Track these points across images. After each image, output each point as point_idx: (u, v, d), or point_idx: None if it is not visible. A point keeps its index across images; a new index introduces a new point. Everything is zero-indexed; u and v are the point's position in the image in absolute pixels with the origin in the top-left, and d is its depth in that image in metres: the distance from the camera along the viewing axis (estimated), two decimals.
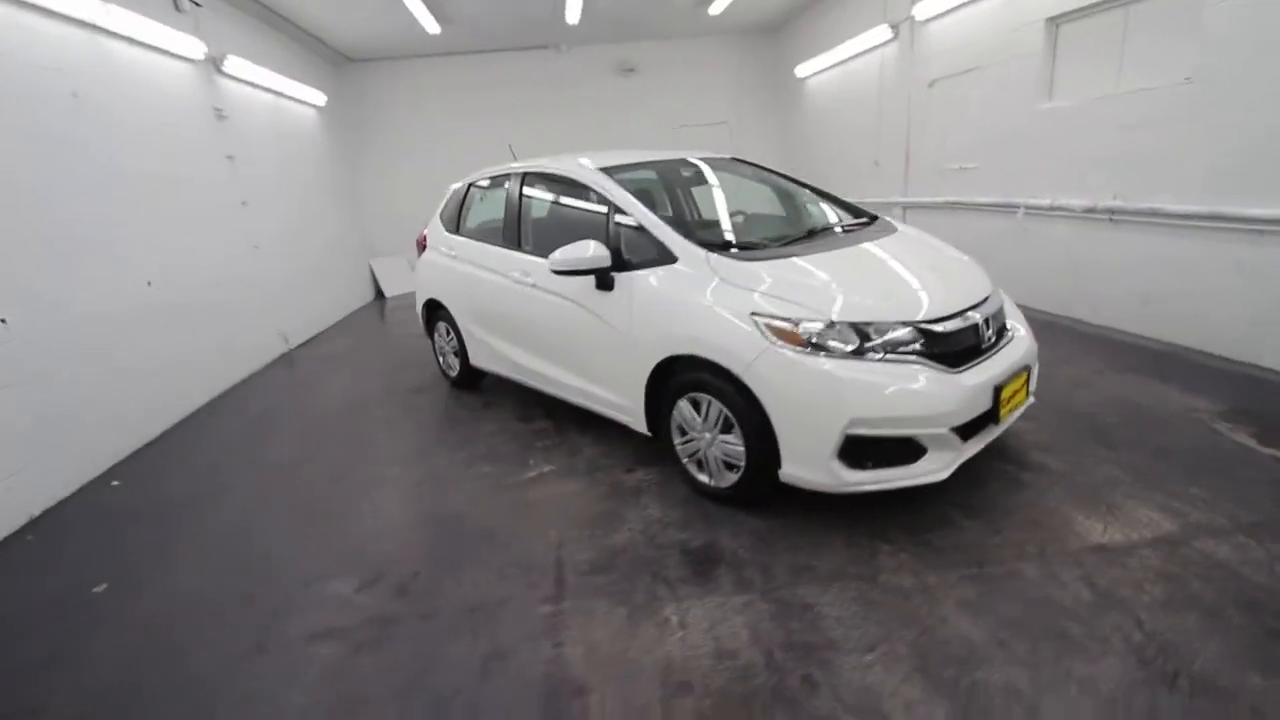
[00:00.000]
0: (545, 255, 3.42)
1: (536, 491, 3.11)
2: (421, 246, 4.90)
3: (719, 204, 3.64)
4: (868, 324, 2.35)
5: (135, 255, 4.37)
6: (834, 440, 2.29)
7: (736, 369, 2.46)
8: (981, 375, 2.42)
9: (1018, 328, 2.83)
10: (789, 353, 2.34)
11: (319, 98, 8.16)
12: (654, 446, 3.34)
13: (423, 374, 5.31)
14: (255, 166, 6.34)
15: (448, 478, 3.36)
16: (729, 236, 3.14)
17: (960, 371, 2.39)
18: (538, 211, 3.83)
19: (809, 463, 2.38)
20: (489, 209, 4.30)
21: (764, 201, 3.76)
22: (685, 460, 2.89)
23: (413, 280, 5.18)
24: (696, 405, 2.72)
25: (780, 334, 2.37)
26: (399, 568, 2.57)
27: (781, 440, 2.41)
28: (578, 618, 2.18)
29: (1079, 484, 2.69)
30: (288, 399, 5.13)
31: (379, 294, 9.78)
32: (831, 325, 2.34)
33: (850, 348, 2.32)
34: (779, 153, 10.14)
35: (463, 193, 4.50)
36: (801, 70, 9.22)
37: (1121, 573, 2.13)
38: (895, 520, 2.52)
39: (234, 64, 5.86)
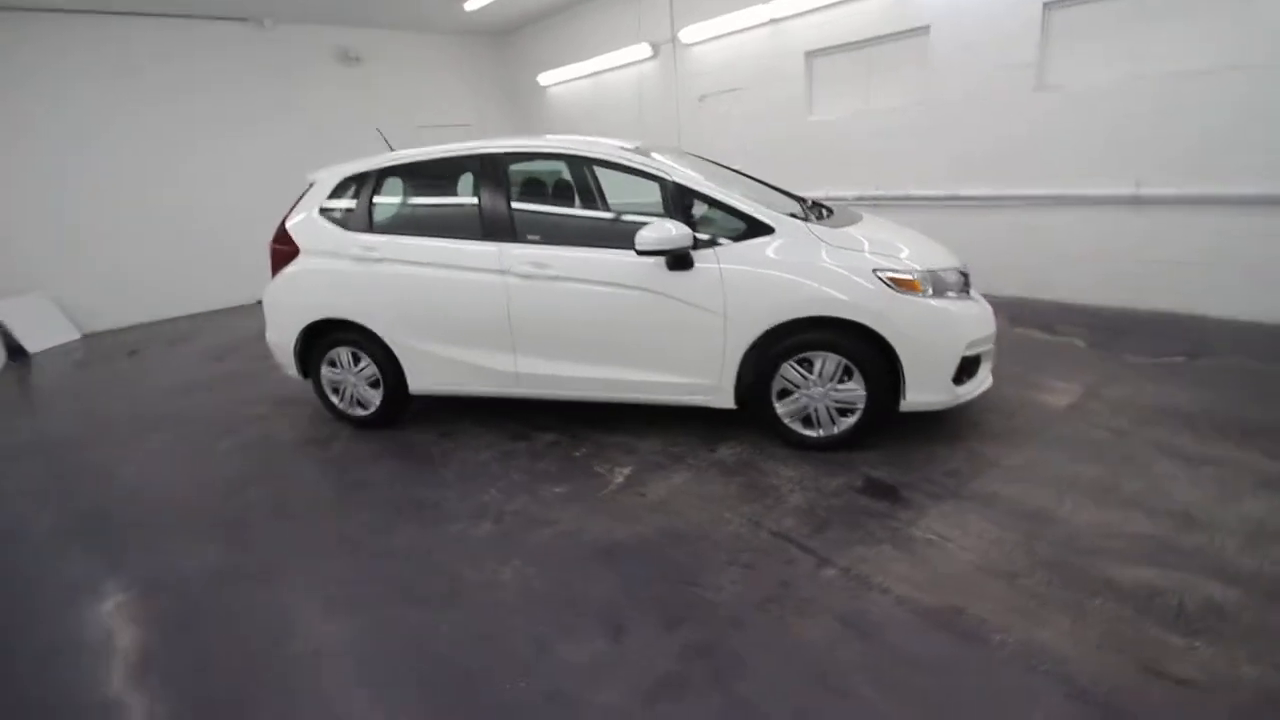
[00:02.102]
0: (562, 243, 3.17)
1: (650, 494, 2.87)
2: (282, 256, 3.72)
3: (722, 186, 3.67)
4: (942, 270, 2.95)
5: None
6: (955, 364, 2.84)
7: (867, 320, 2.79)
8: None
9: None
10: (914, 299, 2.80)
11: None
12: (703, 422, 3.40)
13: (287, 422, 4.04)
14: None
15: (531, 518, 2.80)
16: (767, 212, 3.15)
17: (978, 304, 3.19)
18: (539, 197, 3.39)
19: (933, 388, 2.87)
20: (428, 199, 3.56)
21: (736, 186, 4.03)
22: (788, 421, 3.08)
23: (270, 307, 3.86)
24: (805, 365, 2.95)
25: (901, 284, 2.80)
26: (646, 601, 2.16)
27: (908, 374, 2.84)
28: (869, 565, 2.25)
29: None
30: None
31: (13, 353, 6.55)
32: (928, 273, 2.88)
33: (935, 290, 2.89)
34: None
35: (368, 182, 3.58)
36: (545, 78, 9.53)
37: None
38: (928, 432, 3.22)
39: None
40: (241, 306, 8.25)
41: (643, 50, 7.90)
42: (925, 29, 5.48)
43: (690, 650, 1.93)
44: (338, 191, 3.67)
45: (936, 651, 1.86)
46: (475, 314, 3.35)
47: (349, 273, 3.52)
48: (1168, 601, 1.97)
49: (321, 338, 3.72)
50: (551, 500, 2.90)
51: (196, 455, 3.76)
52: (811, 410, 3.02)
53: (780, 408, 3.07)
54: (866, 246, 2.92)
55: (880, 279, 2.80)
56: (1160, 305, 4.74)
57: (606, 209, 4.14)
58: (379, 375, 3.65)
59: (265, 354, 5.03)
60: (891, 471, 2.86)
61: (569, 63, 8.99)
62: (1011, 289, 5.40)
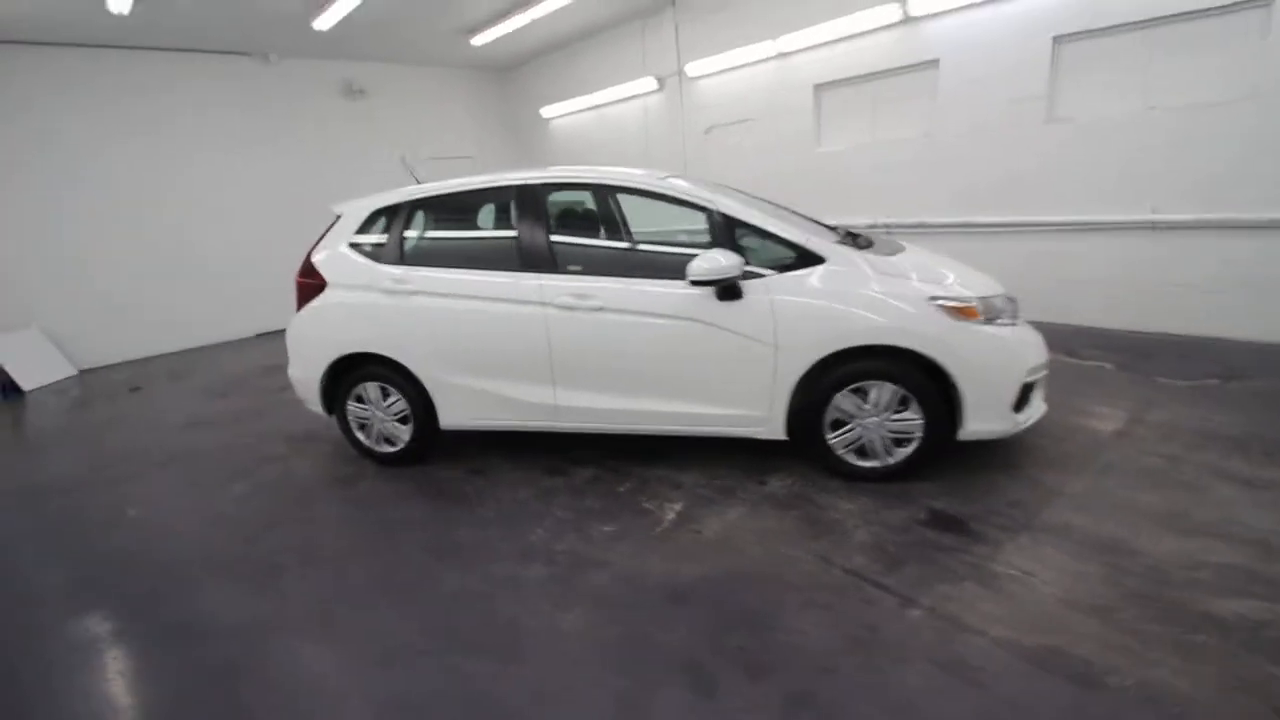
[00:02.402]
0: (604, 274, 3.12)
1: (706, 531, 2.77)
2: (308, 290, 3.61)
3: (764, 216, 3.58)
4: (992, 296, 2.93)
5: None
6: (1016, 391, 2.79)
7: (924, 348, 2.75)
8: None
9: None
10: (972, 326, 2.77)
11: None
12: (747, 453, 3.32)
13: (305, 460, 3.89)
14: None
15: (583, 559, 2.68)
16: (818, 241, 3.07)
17: None
18: (579, 229, 3.34)
19: (993, 416, 2.82)
20: (463, 230, 3.49)
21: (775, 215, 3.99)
22: (841, 452, 3.00)
23: (295, 341, 3.75)
24: (860, 394, 2.89)
25: (959, 312, 2.77)
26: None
27: (967, 403, 2.79)
28: (955, 604, 2.16)
29: None
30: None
31: (7, 390, 6.30)
32: (981, 300, 2.85)
33: (988, 316, 2.86)
34: None
35: (399, 214, 3.51)
36: (547, 111, 9.61)
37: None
38: (999, 462, 3.17)
39: None
40: (237, 341, 8.08)
41: (648, 83, 8.01)
42: (935, 62, 5.60)
43: (791, 702, 1.82)
44: (367, 224, 3.59)
45: (1054, 698, 1.76)
46: (513, 346, 3.26)
47: (380, 306, 3.43)
48: (1274, 635, 1.91)
49: (349, 373, 3.61)
50: (602, 539, 2.78)
51: (214, 497, 3.59)
52: (866, 441, 2.96)
53: (833, 438, 3.00)
54: (916, 275, 2.90)
55: (937, 306, 2.77)
56: (1175, 328, 4.78)
57: (643, 240, 4.08)
58: (409, 410, 3.53)
59: (271, 389, 4.90)
60: (953, 503, 2.79)
61: (572, 96, 9.08)
62: (1028, 314, 5.38)
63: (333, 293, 3.55)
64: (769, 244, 3.00)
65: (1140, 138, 4.67)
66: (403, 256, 3.48)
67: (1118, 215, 4.88)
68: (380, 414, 3.61)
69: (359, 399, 3.63)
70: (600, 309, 3.09)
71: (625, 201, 4.17)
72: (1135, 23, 4.55)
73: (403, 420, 3.58)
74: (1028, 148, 5.22)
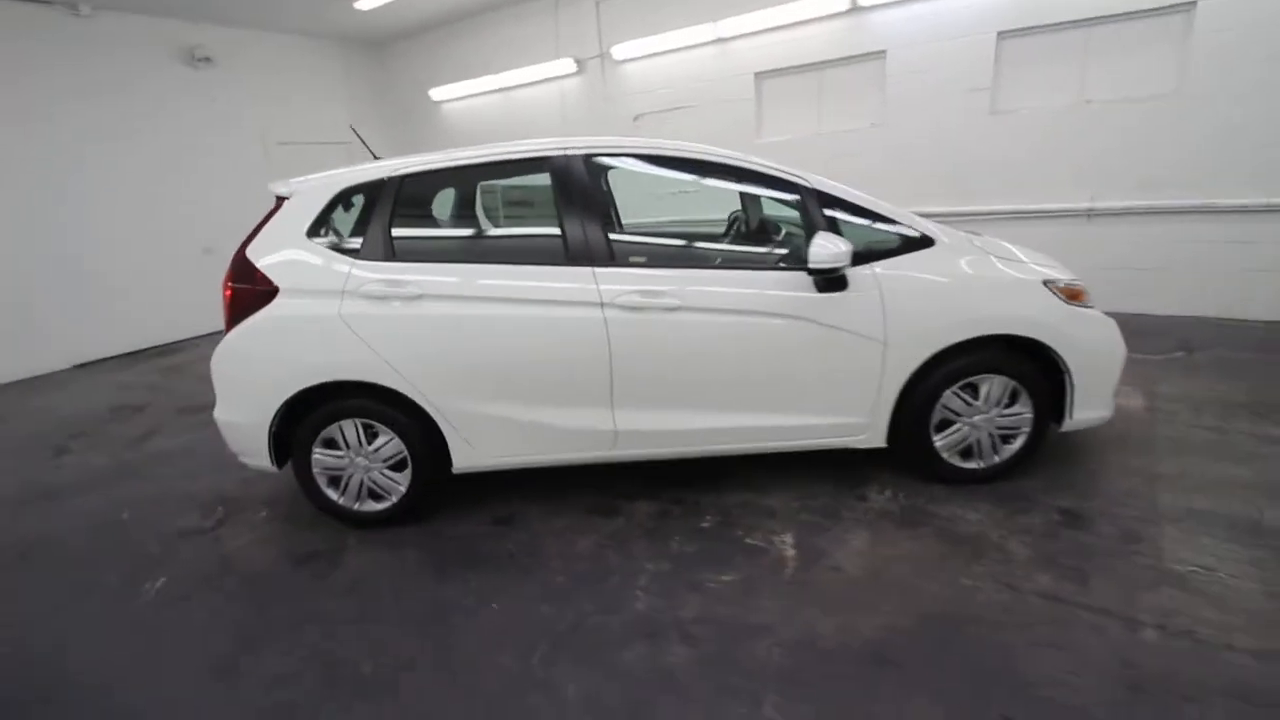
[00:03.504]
0: (675, 265, 2.59)
1: (845, 566, 2.34)
2: (245, 301, 2.63)
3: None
4: (1075, 280, 2.82)
5: None
6: (1119, 375, 2.69)
7: (1043, 335, 2.56)
8: None
9: None
10: (1084, 311, 2.62)
11: None
12: (823, 465, 2.95)
13: (246, 534, 2.88)
14: None
15: (723, 625, 2.12)
16: (925, 223, 2.78)
17: None
18: (638, 210, 2.71)
19: (1098, 403, 2.70)
20: (482, 216, 2.70)
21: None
22: (946, 455, 2.73)
23: (227, 372, 2.71)
24: (970, 390, 2.63)
25: (1070, 295, 2.61)
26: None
27: (1078, 390, 2.64)
28: (1177, 616, 1.94)
29: None
30: None
31: None
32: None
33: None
34: None
35: (384, 195, 2.64)
36: (440, 93, 8.57)
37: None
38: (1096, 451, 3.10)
39: None
40: (49, 375, 6.18)
41: (566, 65, 7.36)
42: (882, 54, 5.63)
43: None
44: (333, 209, 2.69)
45: None
46: (559, 360, 2.59)
47: (366, 318, 2.57)
48: None
49: (313, 410, 2.68)
50: (728, 594, 2.24)
51: (121, 608, 2.48)
52: (974, 440, 2.71)
53: (939, 440, 2.71)
54: (1023, 255, 2.71)
55: (1052, 291, 2.59)
56: (1117, 307, 5.18)
57: (710, 224, 3.48)
58: (405, 453, 2.70)
59: (132, 439, 3.82)
60: (1073, 499, 2.63)
61: (471, 76, 8.14)
62: None
63: (287, 302, 2.60)
64: (868, 227, 2.64)
65: (1078, 129, 5.00)
66: (393, 251, 2.63)
67: (1060, 203, 5.21)
68: (364, 461, 2.73)
69: (329, 444, 2.72)
70: (677, 308, 2.53)
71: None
72: (1074, 21, 4.85)
73: (396, 466, 2.74)
74: (974, 139, 5.42)
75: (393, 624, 2.26)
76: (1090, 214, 5.10)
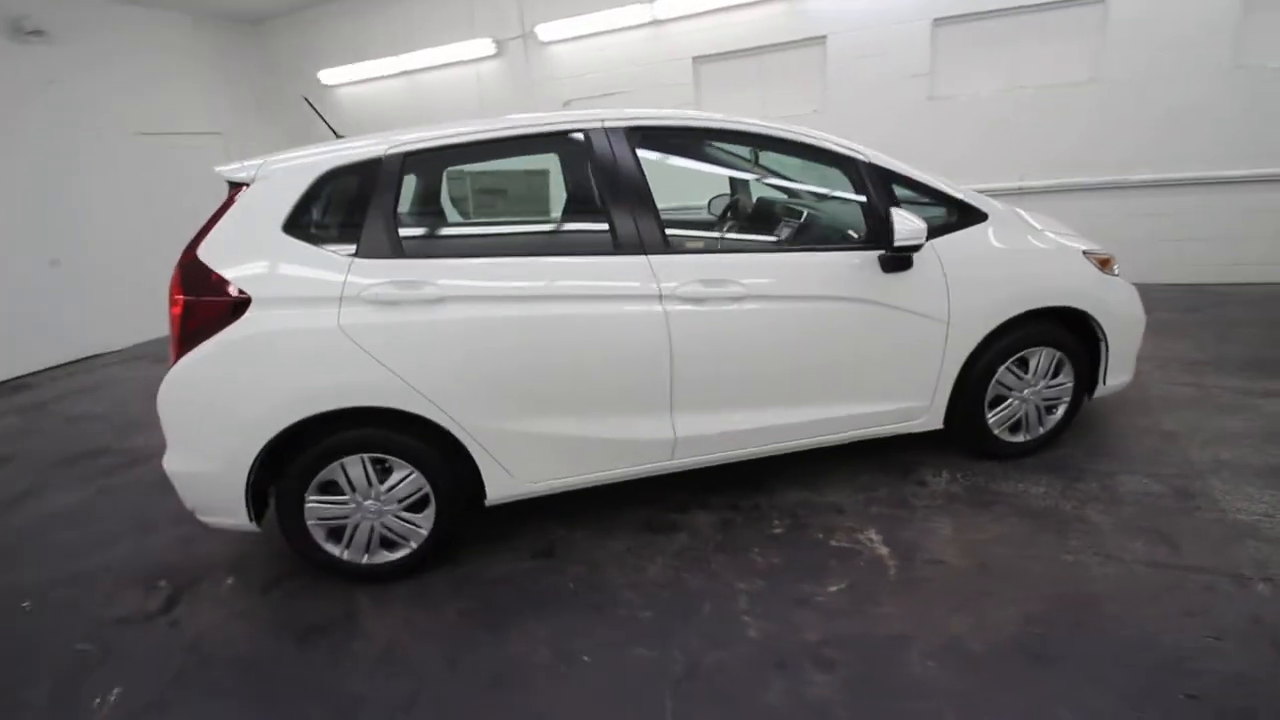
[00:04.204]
0: (734, 249, 2.38)
1: (948, 560, 2.22)
2: (204, 316, 2.05)
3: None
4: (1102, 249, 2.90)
5: None
6: (1139, 341, 2.79)
7: (1088, 305, 2.59)
8: None
9: None
10: (1115, 279, 2.68)
11: None
12: (867, 452, 2.85)
13: (216, 610, 2.30)
14: None
15: (850, 645, 1.91)
16: (976, 195, 2.69)
17: None
18: (693, 188, 2.39)
19: (1125, 369, 2.79)
20: (511, 200, 2.26)
21: None
22: (998, 431, 2.70)
23: (185, 412, 2.10)
24: (1022, 364, 2.62)
25: (1103, 264, 2.66)
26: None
27: (1113, 357, 2.71)
28: (1224, 578, 1.98)
29: None
30: None
31: None
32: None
33: None
34: None
35: (382, 176, 2.14)
36: (331, 76, 7.67)
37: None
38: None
39: None
40: None
41: (484, 47, 6.81)
42: (823, 39, 5.67)
43: None
44: (314, 196, 2.16)
45: None
46: (614, 362, 2.25)
47: (374, 326, 2.09)
48: None
49: (300, 451, 2.15)
50: (842, 606, 2.04)
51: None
52: (1023, 414, 2.70)
53: (992, 417, 2.68)
54: (1054, 226, 2.73)
55: (1089, 259, 2.62)
56: None
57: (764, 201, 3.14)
58: (428, 488, 2.25)
59: (17, 495, 3.17)
60: (1120, 464, 2.69)
61: (369, 58, 7.34)
62: None
63: (265, 315, 2.06)
64: (917, 200, 2.54)
65: (1008, 114, 5.31)
66: (400, 246, 2.16)
67: (993, 184, 5.49)
68: (373, 504, 2.24)
69: (325, 489, 2.21)
70: (742, 297, 2.28)
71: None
72: (1003, 9, 5.12)
73: (415, 506, 2.28)
74: (913, 123, 5.60)
75: (461, 701, 1.84)
76: (1020, 192, 5.44)
